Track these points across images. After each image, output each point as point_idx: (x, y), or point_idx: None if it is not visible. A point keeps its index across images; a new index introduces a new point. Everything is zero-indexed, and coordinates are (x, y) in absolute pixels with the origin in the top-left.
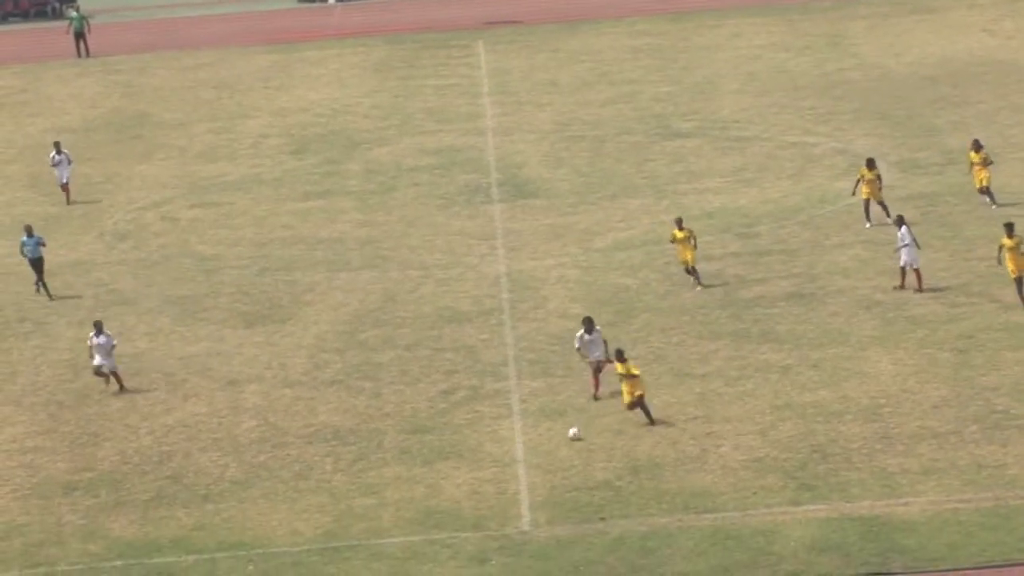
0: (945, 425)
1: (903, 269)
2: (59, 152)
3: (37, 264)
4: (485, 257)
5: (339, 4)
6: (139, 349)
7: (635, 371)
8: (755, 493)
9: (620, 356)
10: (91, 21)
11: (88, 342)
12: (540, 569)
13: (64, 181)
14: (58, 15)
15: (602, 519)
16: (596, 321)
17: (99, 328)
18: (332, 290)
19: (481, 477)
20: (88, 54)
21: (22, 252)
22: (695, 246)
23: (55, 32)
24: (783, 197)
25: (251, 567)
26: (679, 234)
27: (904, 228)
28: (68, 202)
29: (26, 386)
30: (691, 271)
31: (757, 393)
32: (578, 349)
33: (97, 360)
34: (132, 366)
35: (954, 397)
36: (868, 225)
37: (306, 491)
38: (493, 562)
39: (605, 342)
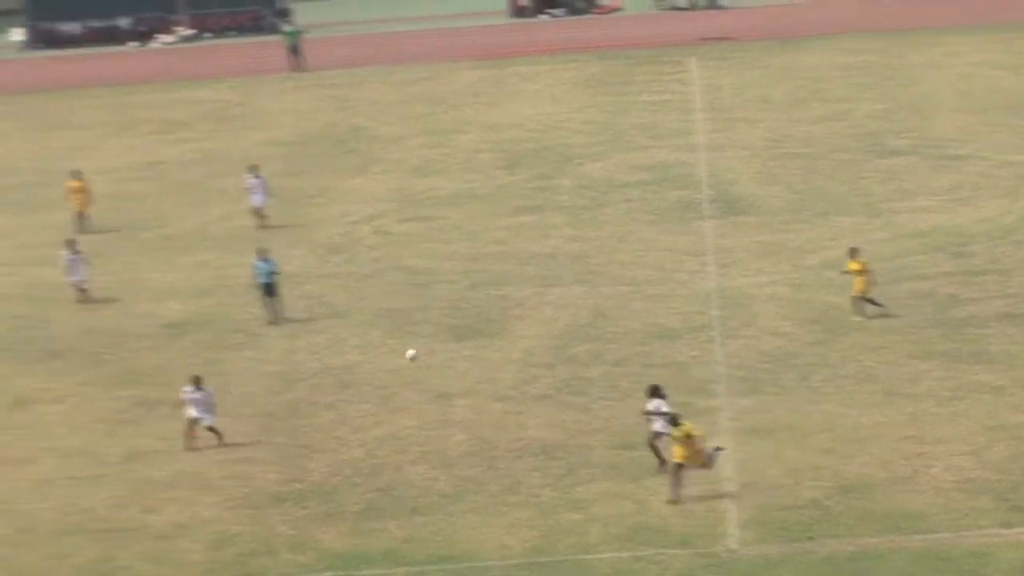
0: None
1: None
2: (256, 176)
3: (268, 289)
4: (696, 273)
5: (551, 19)
6: (350, 362)
7: (695, 433)
8: (967, 515)
9: (674, 421)
10: (306, 36)
11: (183, 395)
12: None
13: (258, 205)
14: (273, 30)
15: (810, 538)
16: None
17: (197, 383)
18: (543, 305)
19: (689, 494)
20: (303, 68)
21: (254, 276)
22: (869, 278)
23: (270, 46)
24: (998, 216)
25: None
26: (854, 265)
27: None
28: (261, 226)
29: (238, 397)
30: (866, 300)
31: (969, 414)
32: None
33: (194, 414)
34: (343, 378)
35: None
36: None
37: (514, 505)
38: None
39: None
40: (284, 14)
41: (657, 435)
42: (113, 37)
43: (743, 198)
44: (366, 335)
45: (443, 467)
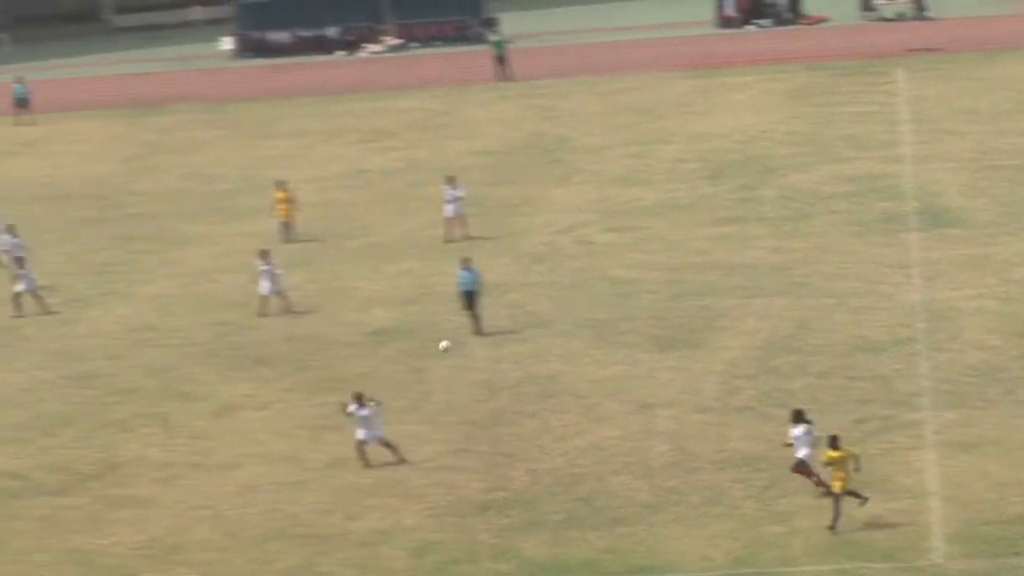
0: None
1: None
2: (453, 187)
3: (468, 297)
4: (900, 286)
5: (758, 30)
6: (553, 371)
7: (852, 451)
8: None
9: (833, 444)
10: (512, 45)
11: (348, 411)
12: None
13: (451, 216)
14: (480, 39)
15: (1016, 554)
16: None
17: (359, 399)
18: (745, 316)
19: (893, 508)
20: (509, 78)
21: (457, 284)
22: None
23: (476, 56)
24: None
25: None
26: None
27: None
28: (456, 238)
29: (441, 405)
30: None
31: None
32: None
33: (362, 434)
34: (547, 388)
35: None
36: None
37: (716, 517)
38: None
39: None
40: (490, 24)
41: (807, 466)
42: (321, 46)
43: (949, 210)
44: (569, 344)
45: (645, 477)
